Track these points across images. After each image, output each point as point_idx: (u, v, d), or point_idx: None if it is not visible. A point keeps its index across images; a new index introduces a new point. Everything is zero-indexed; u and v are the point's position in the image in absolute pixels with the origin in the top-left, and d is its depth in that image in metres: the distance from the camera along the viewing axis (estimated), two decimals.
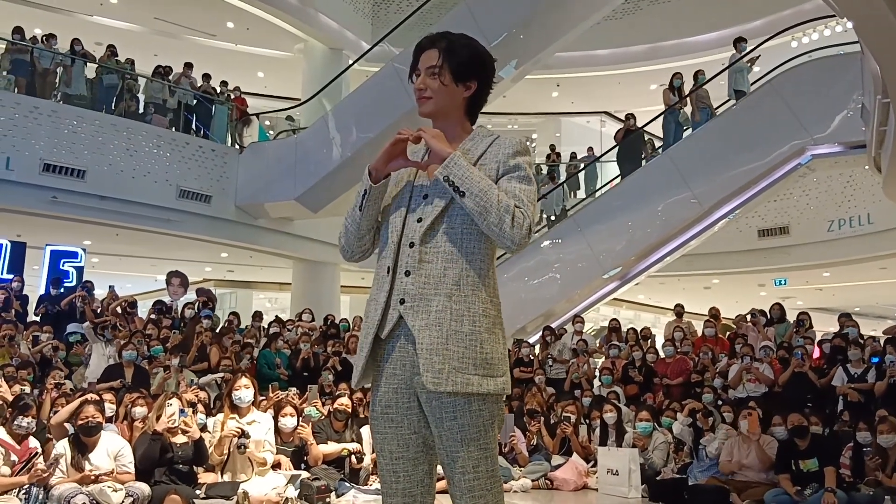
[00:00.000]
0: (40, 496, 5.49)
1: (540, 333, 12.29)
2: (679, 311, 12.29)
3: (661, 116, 13.94)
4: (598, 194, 15.54)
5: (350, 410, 7.70)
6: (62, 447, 5.79)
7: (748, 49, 13.30)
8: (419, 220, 2.25)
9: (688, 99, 13.65)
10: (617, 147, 14.88)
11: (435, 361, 2.14)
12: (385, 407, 2.28)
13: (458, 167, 2.17)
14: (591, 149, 18.10)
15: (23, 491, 5.47)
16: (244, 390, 6.81)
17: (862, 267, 15.86)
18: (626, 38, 18.80)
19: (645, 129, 15.48)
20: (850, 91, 11.63)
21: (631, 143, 14.15)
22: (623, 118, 16.37)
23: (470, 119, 2.38)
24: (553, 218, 15.32)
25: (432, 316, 2.17)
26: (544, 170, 19.00)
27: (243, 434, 6.54)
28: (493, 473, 2.22)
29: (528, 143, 2.28)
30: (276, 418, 7.33)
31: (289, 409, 7.42)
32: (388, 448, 2.28)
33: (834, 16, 13.81)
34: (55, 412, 6.67)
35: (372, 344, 2.29)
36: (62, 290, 12.35)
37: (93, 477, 5.64)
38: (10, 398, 6.59)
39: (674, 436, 8.42)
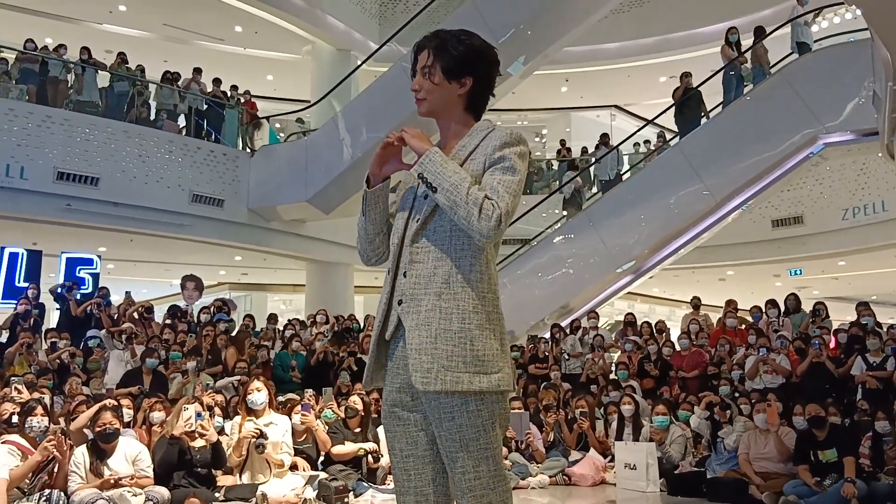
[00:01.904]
0: (61, 501, 5.53)
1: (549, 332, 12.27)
2: (696, 303, 12.25)
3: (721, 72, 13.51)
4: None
5: (359, 408, 7.71)
6: (81, 453, 5.83)
7: (808, 5, 13.05)
8: (417, 221, 2.27)
9: (748, 54, 13.37)
10: (674, 106, 14.35)
11: (424, 361, 2.14)
12: (392, 406, 2.30)
13: (432, 163, 2.18)
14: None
15: (44, 498, 5.51)
16: (256, 393, 6.84)
17: (878, 255, 15.74)
18: (634, 32, 18.75)
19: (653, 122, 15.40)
20: (861, 78, 11.53)
21: (689, 101, 13.82)
22: (631, 112, 16.28)
23: (474, 114, 2.36)
24: (607, 181, 15.27)
25: (422, 315, 2.18)
26: (555, 165, 19.01)
27: (261, 435, 6.57)
28: (496, 473, 2.20)
29: (521, 134, 2.24)
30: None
31: (297, 409, 7.49)
32: (399, 446, 2.30)
33: (843, 3, 13.73)
34: (73, 418, 6.72)
35: (377, 345, 2.33)
36: (68, 287, 12.36)
37: (112, 482, 5.68)
38: None
39: (692, 429, 8.40)
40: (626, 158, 16.50)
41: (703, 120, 13.63)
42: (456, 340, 2.14)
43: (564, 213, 15.50)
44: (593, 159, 16.65)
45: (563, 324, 12.49)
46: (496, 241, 2.17)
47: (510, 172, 2.17)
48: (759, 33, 13.33)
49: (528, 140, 2.39)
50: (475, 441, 2.16)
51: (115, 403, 6.52)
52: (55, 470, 5.76)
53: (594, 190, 16.09)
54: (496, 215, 2.10)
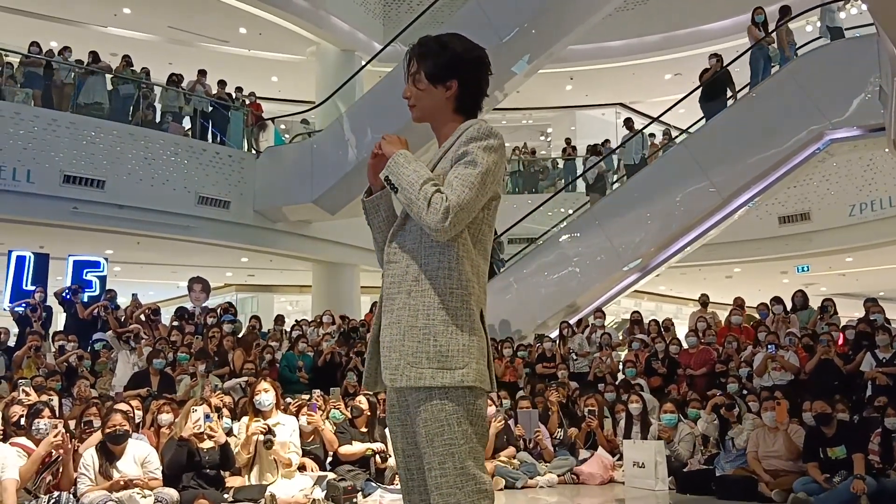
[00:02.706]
0: (70, 503, 5.54)
1: (557, 330, 12.26)
2: (704, 300, 12.21)
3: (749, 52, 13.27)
4: (615, 187, 15.46)
5: (364, 407, 7.72)
6: (90, 456, 5.84)
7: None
8: (396, 223, 2.32)
9: (774, 35, 13.11)
10: (700, 88, 14.02)
11: (392, 358, 2.19)
12: (391, 406, 2.34)
13: (396, 165, 2.22)
14: (607, 141, 18.03)
15: (53, 500, 5.52)
16: (263, 394, 6.85)
17: (885, 251, 15.67)
18: (638, 29, 18.73)
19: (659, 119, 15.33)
20: (866, 74, 11.48)
21: (716, 83, 13.56)
22: (636, 109, 16.21)
23: (465, 116, 2.37)
24: (633, 164, 15.23)
25: (394, 314, 2.23)
26: (560, 163, 18.99)
27: (269, 431, 6.58)
28: (463, 472, 2.17)
29: (491, 128, 2.25)
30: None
31: (304, 410, 7.50)
32: (401, 446, 2.33)
33: None
34: (86, 421, 6.71)
35: (373, 347, 2.35)
36: (73, 290, 12.41)
37: (122, 483, 5.69)
38: None
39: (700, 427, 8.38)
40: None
41: (730, 103, 13.51)
42: (420, 337, 2.18)
43: (588, 198, 15.51)
44: (617, 145, 16.59)
45: (571, 322, 12.48)
46: (451, 235, 2.16)
47: (471, 166, 2.18)
48: (785, 14, 13.12)
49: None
50: (439, 436, 2.17)
51: (129, 407, 6.53)
52: (60, 470, 5.77)
53: (619, 175, 16.06)
54: (444, 208, 2.11)
